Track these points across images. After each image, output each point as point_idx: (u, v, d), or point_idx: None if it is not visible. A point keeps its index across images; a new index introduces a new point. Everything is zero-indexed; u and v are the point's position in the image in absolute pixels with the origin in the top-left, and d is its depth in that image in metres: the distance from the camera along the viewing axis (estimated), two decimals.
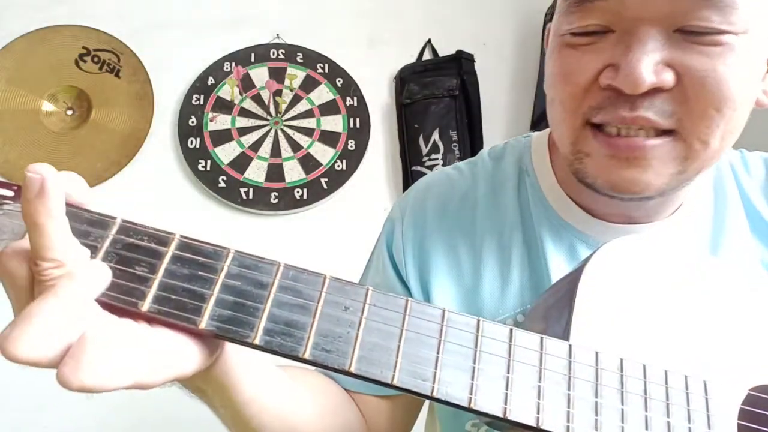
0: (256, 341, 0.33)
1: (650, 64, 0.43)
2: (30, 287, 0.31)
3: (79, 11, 1.66)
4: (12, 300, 0.33)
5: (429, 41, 1.73)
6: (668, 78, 0.43)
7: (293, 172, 1.62)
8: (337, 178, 1.62)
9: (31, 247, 0.31)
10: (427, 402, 0.70)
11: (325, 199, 1.62)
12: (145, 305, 0.32)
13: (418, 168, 1.59)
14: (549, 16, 1.63)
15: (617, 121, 0.45)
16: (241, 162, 1.61)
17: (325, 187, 1.62)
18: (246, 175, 1.60)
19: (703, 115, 0.44)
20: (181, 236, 0.34)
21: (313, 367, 0.60)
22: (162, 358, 0.32)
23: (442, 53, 1.71)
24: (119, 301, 0.32)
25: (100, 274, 0.32)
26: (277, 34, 1.71)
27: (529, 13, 1.74)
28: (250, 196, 1.59)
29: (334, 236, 1.59)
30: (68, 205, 0.33)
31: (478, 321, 0.36)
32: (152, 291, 0.33)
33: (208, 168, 1.60)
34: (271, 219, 1.61)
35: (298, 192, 1.60)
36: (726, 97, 0.43)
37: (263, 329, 0.33)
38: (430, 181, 0.66)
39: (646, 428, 0.37)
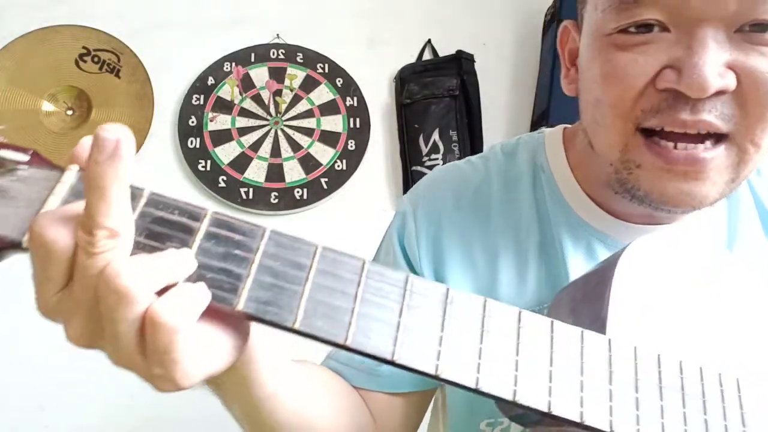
0: (297, 326, 0.31)
1: (716, 67, 0.41)
2: (71, 259, 0.29)
3: (79, 11, 1.65)
4: (40, 274, 0.29)
5: (429, 41, 1.73)
6: (732, 81, 0.42)
7: (293, 172, 1.61)
8: (337, 178, 1.62)
9: (87, 212, 0.28)
10: (431, 402, 0.70)
11: (325, 199, 1.62)
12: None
13: (418, 168, 1.59)
14: (549, 16, 1.63)
15: (676, 125, 0.44)
16: (241, 162, 1.61)
17: (325, 187, 1.61)
18: (246, 175, 1.60)
19: (760, 117, 0.44)
20: (215, 212, 0.32)
21: (317, 363, 0.60)
22: (200, 353, 0.31)
23: (442, 53, 1.71)
24: None
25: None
26: (277, 34, 1.71)
27: (529, 13, 1.74)
28: (250, 196, 1.59)
29: (334, 236, 1.59)
30: None
31: (519, 312, 0.35)
32: None
33: (208, 168, 1.60)
34: (271, 219, 1.61)
35: (298, 192, 1.60)
36: None
37: (304, 313, 0.31)
38: (442, 174, 0.65)
39: (684, 424, 0.36)
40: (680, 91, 0.42)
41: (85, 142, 0.31)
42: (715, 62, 0.41)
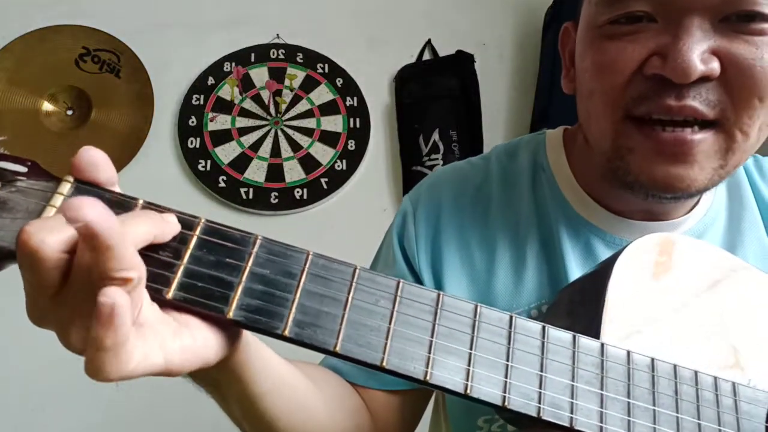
0: (287, 333, 0.31)
1: (699, 53, 0.43)
2: (60, 268, 0.28)
3: (79, 11, 1.66)
4: (29, 283, 0.29)
5: (429, 41, 1.73)
6: (715, 66, 0.43)
7: (293, 172, 1.61)
8: (337, 178, 1.62)
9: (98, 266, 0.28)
10: (432, 399, 0.70)
11: (325, 199, 1.61)
12: (171, 292, 0.31)
13: (418, 168, 1.59)
14: (549, 16, 1.63)
15: (662, 111, 0.45)
16: (241, 162, 1.61)
17: (325, 187, 1.61)
18: (246, 175, 1.60)
19: (747, 104, 0.44)
20: (207, 220, 0.33)
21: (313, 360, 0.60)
22: (189, 346, 0.31)
23: (442, 53, 1.71)
24: None
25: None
26: (277, 34, 1.71)
27: (529, 13, 1.74)
28: (250, 196, 1.59)
29: (334, 236, 1.59)
30: (91, 184, 0.32)
31: (511, 317, 0.35)
32: (177, 277, 0.31)
33: (208, 168, 1.60)
34: (271, 219, 1.61)
35: (298, 192, 1.60)
36: None
37: (293, 321, 0.31)
38: (443, 174, 0.65)
39: (678, 430, 0.36)
40: (666, 76, 0.44)
41: (84, 154, 0.31)
42: (698, 48, 0.43)
